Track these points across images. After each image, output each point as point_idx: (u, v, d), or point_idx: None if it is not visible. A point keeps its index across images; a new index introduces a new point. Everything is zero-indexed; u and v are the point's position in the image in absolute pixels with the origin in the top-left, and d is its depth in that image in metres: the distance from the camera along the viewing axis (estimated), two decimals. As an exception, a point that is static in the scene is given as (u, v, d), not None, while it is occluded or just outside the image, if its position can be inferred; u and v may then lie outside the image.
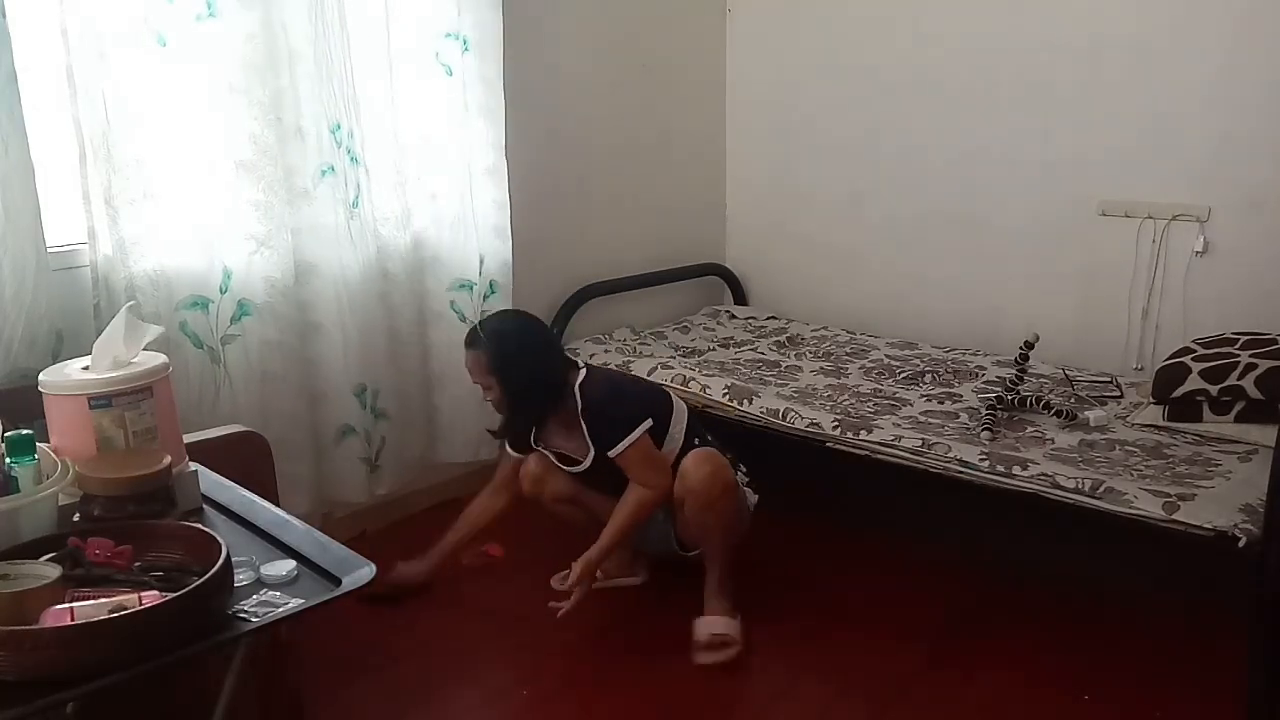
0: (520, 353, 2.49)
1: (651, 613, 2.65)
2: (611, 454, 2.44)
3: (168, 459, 1.53)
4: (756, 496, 2.63)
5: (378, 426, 2.96)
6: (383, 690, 2.33)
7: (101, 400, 1.55)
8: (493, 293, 3.16)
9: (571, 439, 2.54)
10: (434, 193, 3.02)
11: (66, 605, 1.20)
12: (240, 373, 2.64)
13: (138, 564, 1.33)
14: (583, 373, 2.53)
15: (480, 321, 2.60)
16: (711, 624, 2.47)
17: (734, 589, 2.54)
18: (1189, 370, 2.65)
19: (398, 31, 2.86)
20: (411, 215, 2.97)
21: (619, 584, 2.76)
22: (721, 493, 2.44)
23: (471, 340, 2.51)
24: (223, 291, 2.61)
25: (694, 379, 3.10)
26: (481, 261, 3.13)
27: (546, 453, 2.62)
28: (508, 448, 2.70)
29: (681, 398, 3.03)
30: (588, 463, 2.53)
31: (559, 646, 2.49)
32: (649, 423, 2.47)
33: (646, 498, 2.46)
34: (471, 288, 3.12)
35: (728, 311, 3.97)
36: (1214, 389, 2.59)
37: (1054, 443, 2.59)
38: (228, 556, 1.28)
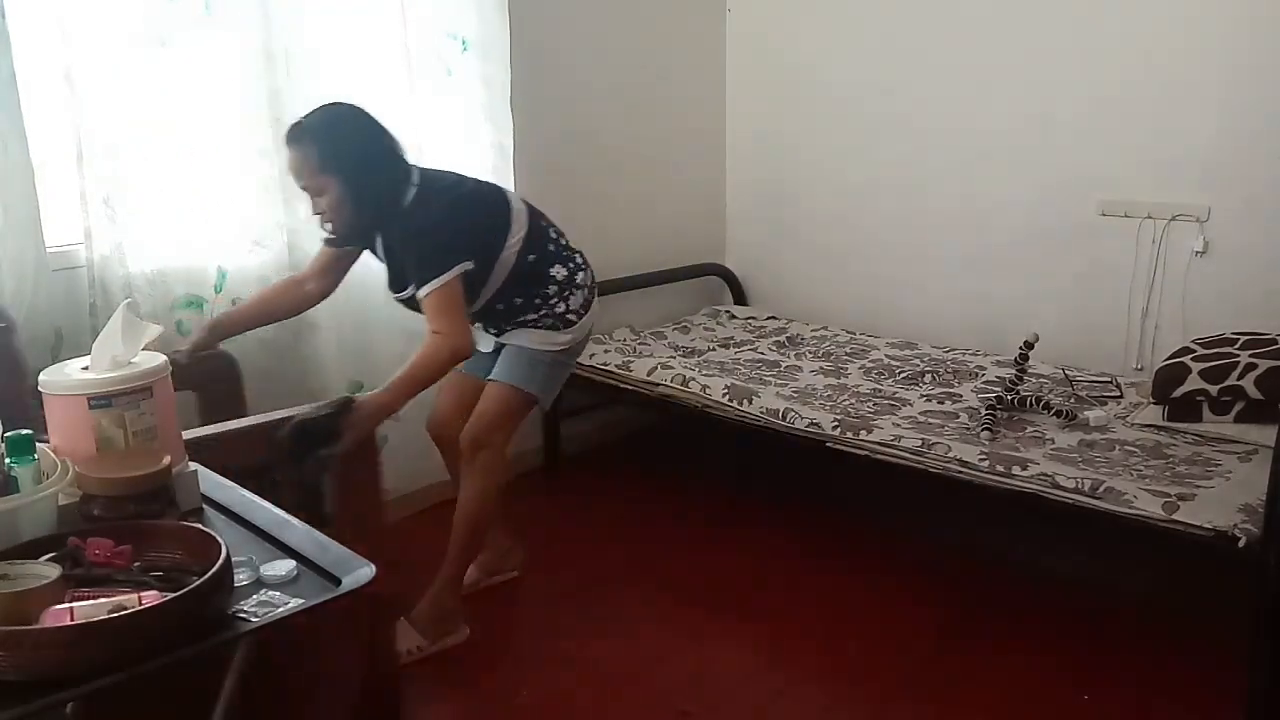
0: (359, 144, 2.18)
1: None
2: (419, 294, 2.20)
3: (168, 459, 1.53)
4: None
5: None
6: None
7: (101, 400, 1.55)
8: None
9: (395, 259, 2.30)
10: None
11: (66, 605, 1.19)
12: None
13: (138, 564, 1.33)
14: (414, 190, 2.26)
15: (304, 115, 2.21)
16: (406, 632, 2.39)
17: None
18: (1189, 370, 2.65)
19: (400, 31, 2.87)
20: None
21: (499, 580, 2.67)
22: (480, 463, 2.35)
23: (296, 136, 2.15)
24: (217, 290, 2.62)
25: (694, 379, 3.10)
26: None
27: (380, 256, 2.36)
28: (325, 243, 2.40)
29: (682, 397, 3.04)
30: (409, 291, 2.29)
31: (557, 650, 2.48)
32: (465, 266, 2.22)
33: (439, 349, 2.18)
34: None
35: (728, 311, 3.97)
36: (1214, 389, 2.59)
37: (1054, 443, 2.59)
38: (228, 556, 1.28)
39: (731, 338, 3.69)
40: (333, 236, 2.32)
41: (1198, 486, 2.27)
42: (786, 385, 3.12)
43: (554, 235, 2.48)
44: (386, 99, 2.87)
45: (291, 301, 2.48)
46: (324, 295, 2.50)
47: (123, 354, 1.63)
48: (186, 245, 2.57)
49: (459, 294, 2.23)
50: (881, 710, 2.26)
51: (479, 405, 2.44)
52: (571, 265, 2.49)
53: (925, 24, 3.53)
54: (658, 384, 3.14)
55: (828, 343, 3.57)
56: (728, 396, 3.00)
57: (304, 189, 2.21)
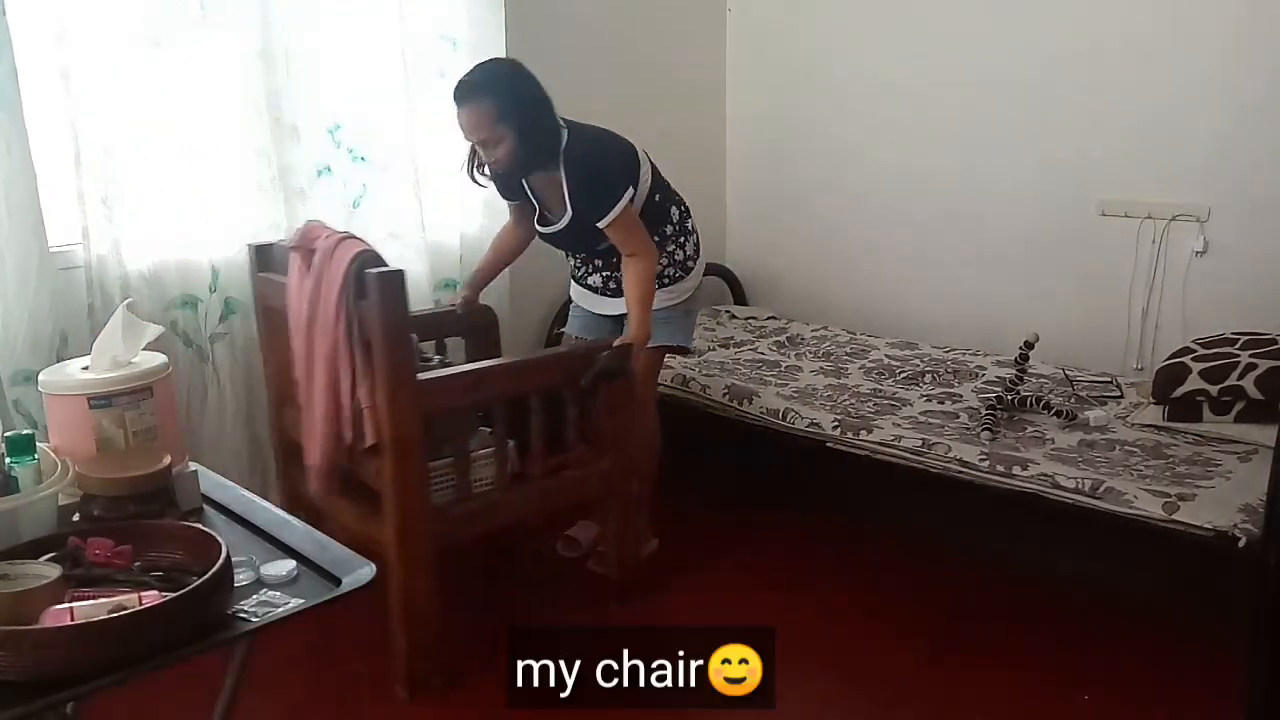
0: (526, 91, 2.39)
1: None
2: (601, 224, 2.45)
3: (168, 459, 1.53)
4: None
5: None
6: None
7: (102, 400, 1.56)
8: None
9: (551, 196, 2.54)
10: (430, 193, 3.02)
11: (66, 605, 1.19)
12: (227, 370, 2.67)
13: (138, 564, 1.33)
14: (565, 131, 2.47)
15: (465, 76, 2.39)
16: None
17: None
18: (1189, 370, 2.65)
19: (397, 32, 2.87)
20: (411, 215, 2.97)
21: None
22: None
23: (469, 93, 2.34)
24: (211, 290, 2.62)
25: (694, 379, 3.10)
26: (462, 260, 3.13)
27: (533, 201, 2.60)
28: (499, 195, 2.69)
29: (682, 398, 3.04)
30: (563, 224, 2.54)
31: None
32: (632, 191, 2.48)
33: (644, 265, 2.50)
34: (454, 286, 3.12)
35: (728, 311, 3.97)
36: (1214, 389, 2.59)
37: (1054, 443, 2.59)
38: (228, 556, 1.28)
39: (731, 338, 3.69)
40: (488, 186, 2.59)
41: (1198, 486, 2.27)
42: (786, 385, 3.11)
43: (664, 179, 2.68)
44: (384, 99, 2.87)
45: (514, 244, 2.79)
46: (530, 238, 2.75)
47: (123, 354, 1.63)
48: (184, 245, 2.57)
49: (634, 213, 2.50)
50: (881, 710, 2.26)
51: None
52: (683, 208, 2.74)
53: (925, 25, 3.53)
54: (657, 384, 3.14)
55: (828, 343, 3.57)
56: (728, 396, 3.00)
57: (480, 143, 2.38)
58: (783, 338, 3.66)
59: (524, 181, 2.55)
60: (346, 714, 2.29)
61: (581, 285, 2.80)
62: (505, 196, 2.67)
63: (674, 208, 2.70)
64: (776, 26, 3.91)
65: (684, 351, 2.86)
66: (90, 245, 2.41)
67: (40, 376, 1.64)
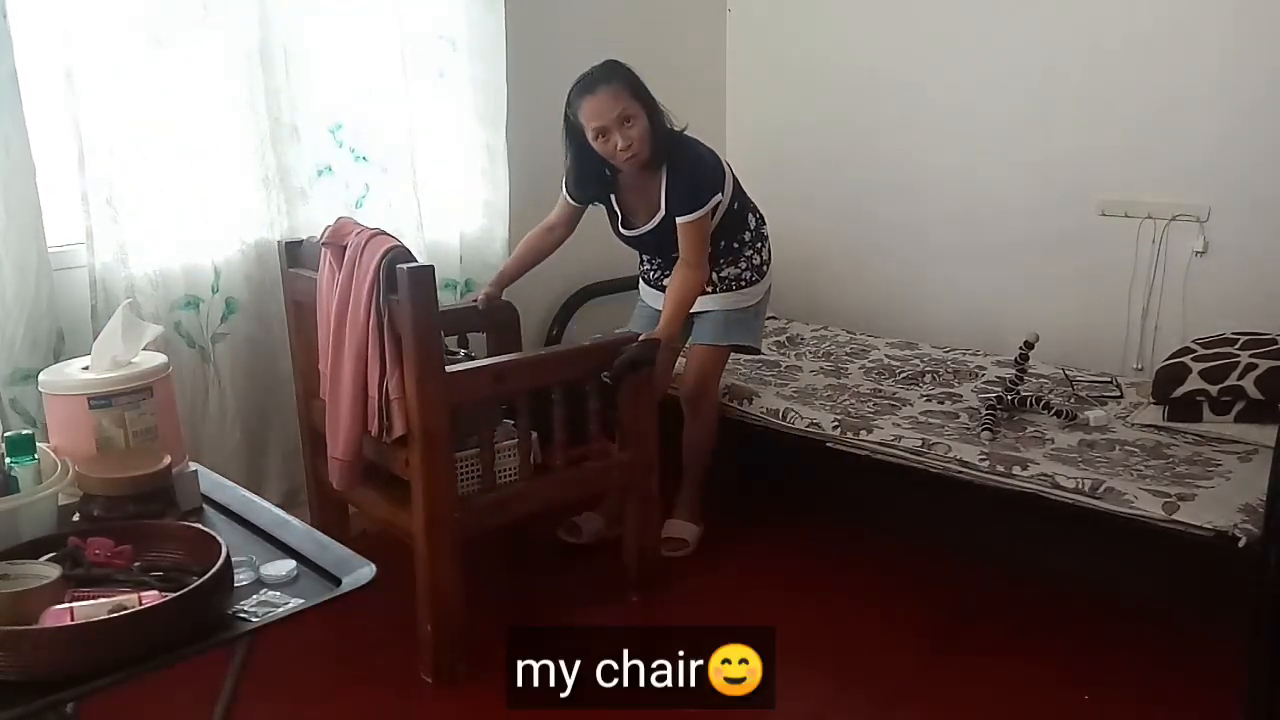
0: (643, 84, 2.57)
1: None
2: (680, 220, 2.59)
3: (168, 459, 1.54)
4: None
5: None
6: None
7: (102, 400, 1.56)
8: (469, 290, 3.16)
9: (642, 198, 2.68)
10: (430, 192, 3.02)
11: (66, 605, 1.20)
12: (228, 370, 2.68)
13: (138, 564, 1.33)
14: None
15: (587, 72, 2.57)
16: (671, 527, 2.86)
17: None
18: (1189, 370, 2.65)
19: (396, 32, 2.87)
20: (409, 215, 2.98)
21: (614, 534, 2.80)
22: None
23: (600, 78, 2.53)
24: (214, 291, 2.63)
25: (694, 379, 3.10)
26: (462, 261, 3.13)
27: (615, 207, 2.73)
28: (567, 197, 2.77)
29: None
30: (652, 225, 2.67)
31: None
32: (718, 198, 2.62)
33: (695, 279, 2.62)
34: (455, 287, 3.12)
35: (728, 311, 3.97)
36: (1214, 389, 2.59)
37: (1054, 443, 2.59)
38: (228, 556, 1.28)
39: (731, 338, 3.68)
40: (618, 169, 2.68)
41: (1198, 486, 2.27)
42: (786, 385, 3.11)
43: (742, 188, 2.81)
44: (384, 99, 2.88)
45: (546, 245, 2.87)
46: (564, 240, 2.87)
47: (123, 354, 1.63)
48: (187, 245, 2.57)
49: (708, 226, 2.64)
50: (881, 710, 2.26)
51: (693, 365, 2.84)
52: (758, 215, 2.88)
53: (925, 25, 3.53)
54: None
55: (828, 343, 3.57)
56: (729, 397, 3.00)
57: (617, 119, 2.51)
58: (783, 338, 3.66)
59: (611, 190, 2.69)
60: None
61: (655, 287, 2.90)
62: (579, 200, 2.76)
63: (751, 215, 2.84)
64: (776, 26, 3.91)
65: (754, 351, 2.99)
66: (94, 246, 2.41)
67: (40, 376, 1.65)
